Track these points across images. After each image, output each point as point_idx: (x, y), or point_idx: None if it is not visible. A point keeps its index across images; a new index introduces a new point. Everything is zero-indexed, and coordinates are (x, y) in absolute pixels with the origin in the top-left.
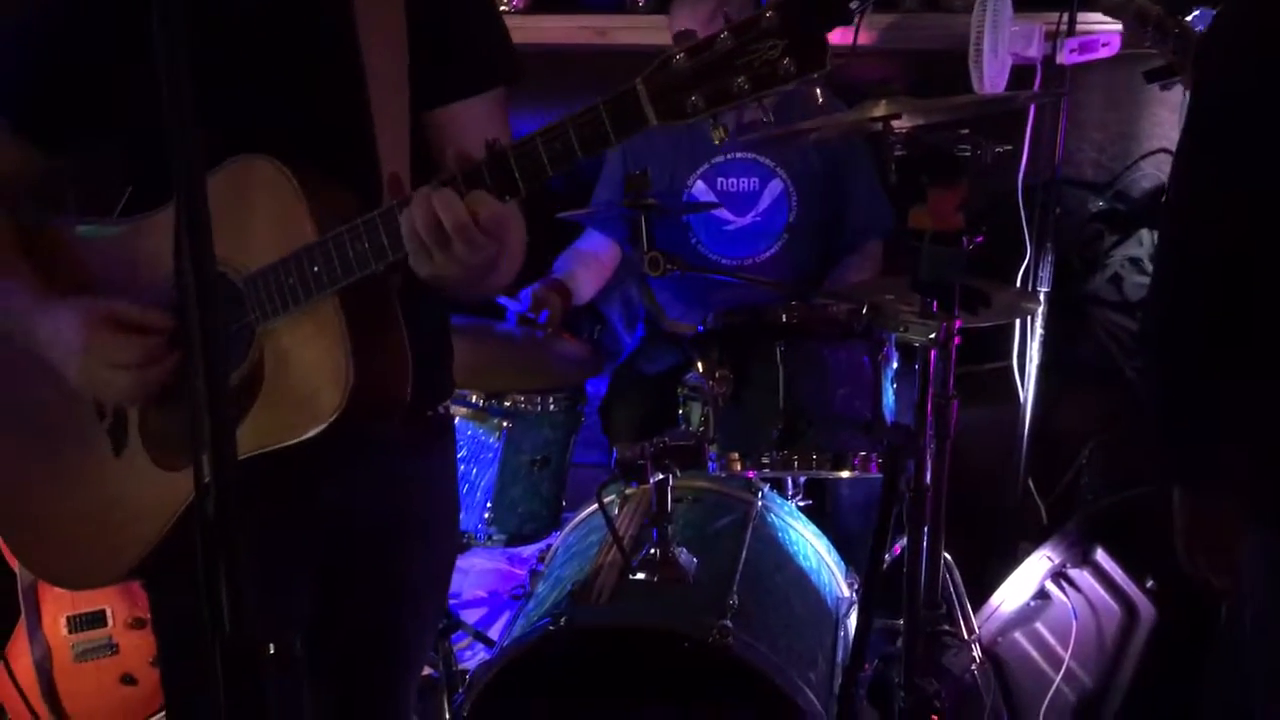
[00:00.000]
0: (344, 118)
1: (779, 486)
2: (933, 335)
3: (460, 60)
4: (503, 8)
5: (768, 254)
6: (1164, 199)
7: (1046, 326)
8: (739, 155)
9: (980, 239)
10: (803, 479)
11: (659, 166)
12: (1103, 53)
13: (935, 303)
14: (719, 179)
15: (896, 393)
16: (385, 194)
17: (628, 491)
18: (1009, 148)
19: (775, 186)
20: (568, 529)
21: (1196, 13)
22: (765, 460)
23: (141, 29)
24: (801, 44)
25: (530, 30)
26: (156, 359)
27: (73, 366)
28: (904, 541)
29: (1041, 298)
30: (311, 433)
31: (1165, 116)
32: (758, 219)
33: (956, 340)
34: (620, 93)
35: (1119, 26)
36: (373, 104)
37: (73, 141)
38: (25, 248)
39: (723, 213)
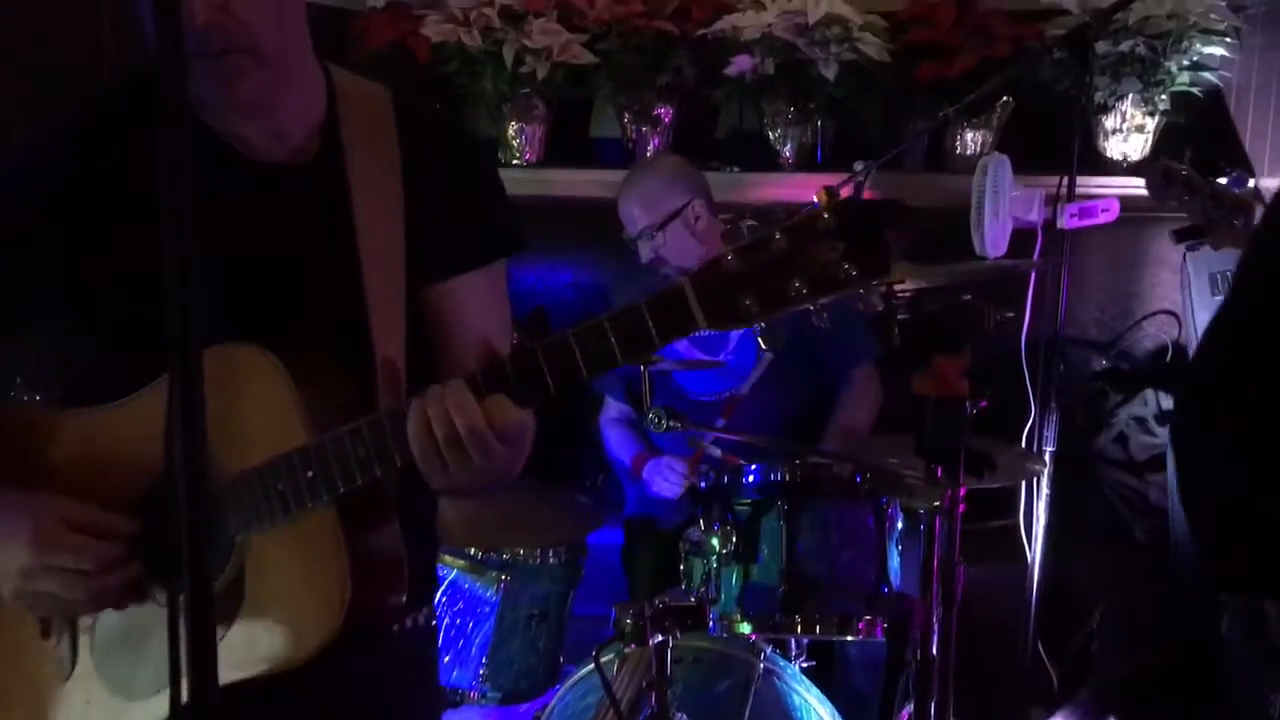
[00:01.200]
0: (334, 297)
1: (782, 646)
2: (937, 503)
3: (460, 233)
4: (514, 162)
5: (746, 387)
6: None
7: (1053, 485)
8: None
9: (984, 403)
10: (805, 640)
11: None
12: (1102, 218)
13: (940, 469)
14: None
15: (902, 555)
16: (380, 379)
17: (627, 651)
18: (1011, 314)
19: None
20: (565, 687)
21: (1231, 175)
22: (768, 622)
23: (107, 220)
24: (862, 247)
25: (541, 183)
26: (112, 567)
27: (12, 577)
28: (911, 707)
29: (1047, 457)
30: (298, 661)
31: (1166, 278)
32: (729, 357)
33: (961, 507)
34: (665, 293)
35: (1121, 191)
36: (366, 282)
37: (25, 324)
38: None
39: (696, 354)
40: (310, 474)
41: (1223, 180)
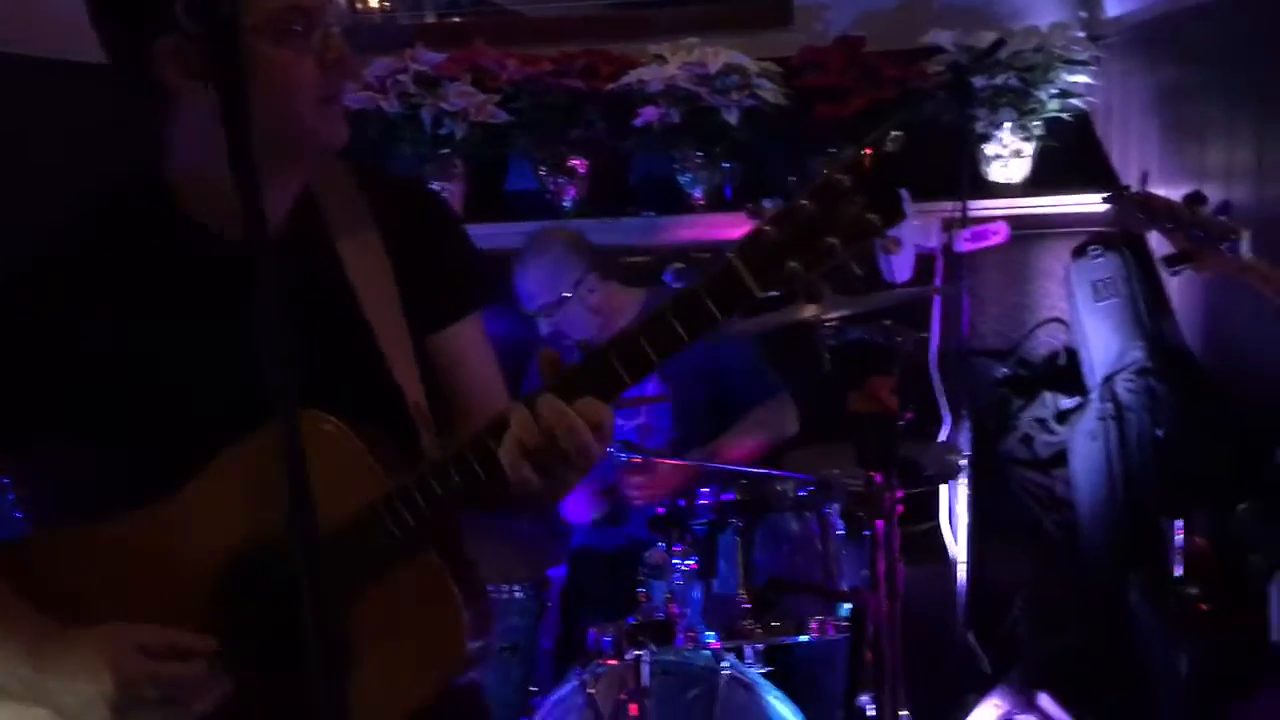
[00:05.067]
0: (358, 360)
1: (739, 655)
2: (879, 506)
3: (448, 285)
4: None
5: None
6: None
7: (971, 486)
8: None
9: (910, 415)
10: (761, 646)
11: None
12: (994, 240)
13: (879, 476)
14: None
15: (845, 558)
16: (418, 423)
17: (599, 671)
18: (924, 335)
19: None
20: (547, 708)
21: (1217, 202)
22: (732, 630)
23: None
24: (880, 197)
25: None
26: (202, 688)
27: (102, 712)
28: (869, 698)
29: (963, 459)
30: (448, 681)
31: (1054, 289)
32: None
33: (899, 509)
34: (719, 273)
35: (1008, 211)
36: (380, 342)
37: (37, 445)
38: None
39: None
40: (405, 515)
41: (1206, 208)
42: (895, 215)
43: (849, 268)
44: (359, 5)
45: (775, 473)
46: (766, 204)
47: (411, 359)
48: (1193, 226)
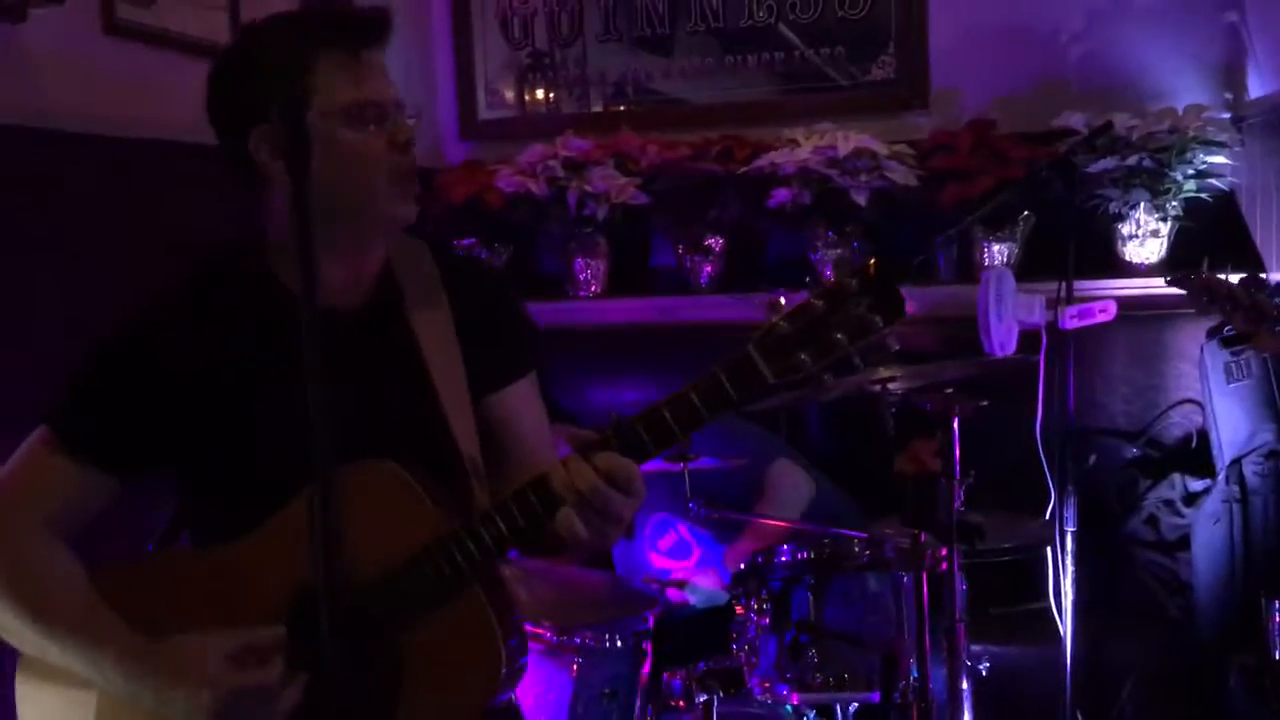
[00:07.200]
0: (422, 414)
1: (827, 714)
2: (925, 564)
3: (506, 350)
4: (581, 295)
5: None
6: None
7: (1079, 565)
8: None
9: (971, 480)
10: (852, 707)
11: None
12: (1100, 318)
13: (923, 534)
14: None
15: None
16: (470, 473)
17: (683, 717)
18: (985, 403)
19: None
20: None
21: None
22: (805, 683)
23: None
24: (883, 299)
25: (606, 312)
26: (284, 686)
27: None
28: None
29: (1069, 537)
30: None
31: (1187, 370)
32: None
33: (944, 566)
34: (736, 358)
35: (1130, 292)
36: (443, 400)
37: (138, 473)
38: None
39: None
40: (456, 555)
41: (1264, 292)
42: (896, 314)
43: (853, 359)
44: (526, 98)
45: (830, 530)
46: (782, 299)
47: (470, 418)
48: (1250, 308)
